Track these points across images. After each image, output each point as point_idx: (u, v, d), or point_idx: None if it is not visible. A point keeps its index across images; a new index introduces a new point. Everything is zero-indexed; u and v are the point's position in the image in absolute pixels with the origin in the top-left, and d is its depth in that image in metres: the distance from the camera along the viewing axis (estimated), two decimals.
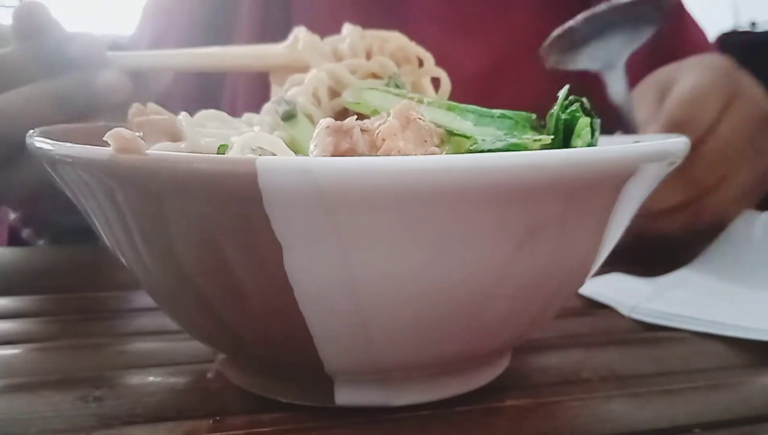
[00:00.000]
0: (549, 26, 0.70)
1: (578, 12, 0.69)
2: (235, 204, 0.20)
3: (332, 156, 0.22)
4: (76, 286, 0.41)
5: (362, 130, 0.23)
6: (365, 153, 0.23)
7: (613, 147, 0.22)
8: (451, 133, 0.25)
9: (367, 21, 0.64)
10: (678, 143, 0.24)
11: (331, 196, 0.19)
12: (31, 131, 0.26)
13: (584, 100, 0.26)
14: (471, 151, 0.24)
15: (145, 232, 0.22)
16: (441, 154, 0.24)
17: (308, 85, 0.31)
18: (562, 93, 0.25)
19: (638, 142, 0.24)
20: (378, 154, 0.23)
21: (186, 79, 0.70)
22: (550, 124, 0.25)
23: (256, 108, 0.33)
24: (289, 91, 0.32)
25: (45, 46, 0.42)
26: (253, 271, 0.21)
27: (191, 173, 0.20)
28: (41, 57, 0.41)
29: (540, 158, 0.20)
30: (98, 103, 0.41)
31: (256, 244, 0.21)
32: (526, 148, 0.24)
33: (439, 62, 0.36)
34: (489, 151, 0.23)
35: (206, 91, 0.70)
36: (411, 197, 0.19)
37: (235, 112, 0.33)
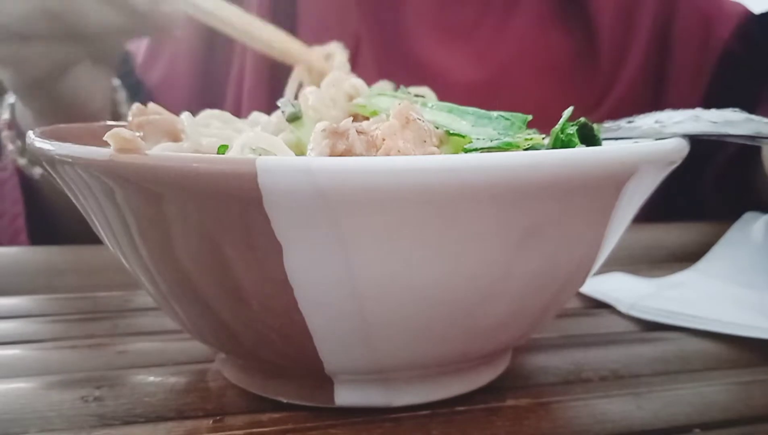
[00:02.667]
0: (549, 38, 0.69)
1: (578, 26, 0.68)
2: (235, 204, 0.20)
3: None
4: (76, 286, 0.41)
5: (359, 132, 0.23)
6: (363, 153, 0.23)
7: (613, 147, 0.22)
8: (449, 134, 0.25)
9: (365, 32, 0.65)
10: (677, 143, 0.24)
11: (331, 195, 0.19)
12: (30, 132, 0.26)
13: (592, 125, 0.26)
14: (465, 151, 0.24)
15: (145, 232, 0.22)
16: (440, 154, 0.24)
17: (326, 87, 0.31)
18: (565, 113, 0.25)
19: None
20: (377, 153, 0.23)
21: (188, 75, 0.70)
22: (550, 141, 0.25)
23: (261, 105, 0.33)
24: (304, 89, 0.32)
25: None
26: (253, 271, 0.21)
27: (191, 173, 0.20)
28: None
29: (540, 158, 0.20)
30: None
31: (256, 244, 0.21)
32: (517, 147, 0.24)
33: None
34: (482, 149, 0.23)
35: (208, 90, 0.70)
36: (411, 197, 0.19)
37: (239, 112, 0.33)
